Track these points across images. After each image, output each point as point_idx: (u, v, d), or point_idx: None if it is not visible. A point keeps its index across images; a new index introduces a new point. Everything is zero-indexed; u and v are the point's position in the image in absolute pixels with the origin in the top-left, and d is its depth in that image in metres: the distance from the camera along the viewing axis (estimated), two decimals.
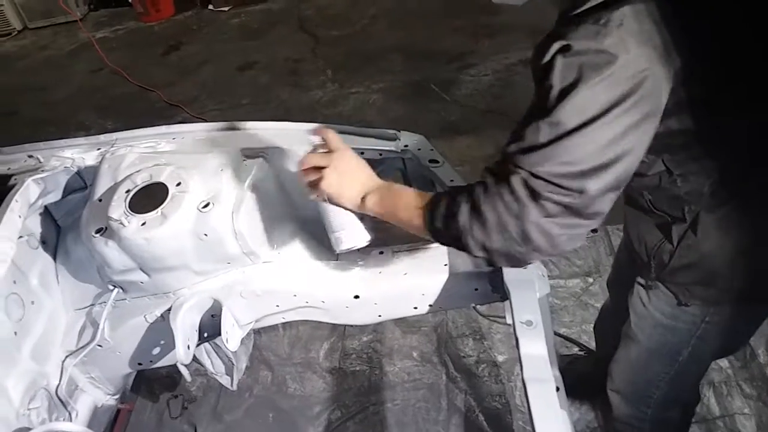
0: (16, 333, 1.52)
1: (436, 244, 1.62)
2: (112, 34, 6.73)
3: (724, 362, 2.34)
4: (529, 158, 1.00)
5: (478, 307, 1.99)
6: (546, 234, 1.01)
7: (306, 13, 6.26)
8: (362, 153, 1.75)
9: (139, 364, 1.72)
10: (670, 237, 1.27)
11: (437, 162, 1.74)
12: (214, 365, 1.83)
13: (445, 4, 5.57)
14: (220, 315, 1.54)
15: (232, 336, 1.55)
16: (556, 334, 2.51)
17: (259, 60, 5.45)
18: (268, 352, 2.70)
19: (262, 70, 5.30)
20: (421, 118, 4.09)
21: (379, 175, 1.32)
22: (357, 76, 4.83)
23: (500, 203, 1.02)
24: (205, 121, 4.24)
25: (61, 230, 1.81)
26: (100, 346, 1.63)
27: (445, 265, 1.56)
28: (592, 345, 2.38)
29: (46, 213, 1.77)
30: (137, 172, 1.59)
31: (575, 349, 2.49)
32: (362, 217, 1.33)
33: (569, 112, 0.96)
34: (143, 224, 1.47)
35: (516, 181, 1.01)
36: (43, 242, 1.73)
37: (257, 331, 2.61)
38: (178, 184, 1.53)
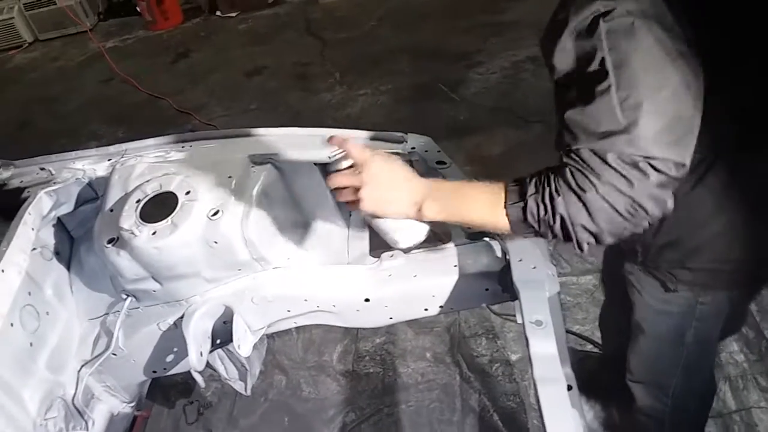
0: (31, 344, 1.54)
1: (446, 245, 1.64)
2: (121, 44, 6.79)
3: (740, 356, 2.33)
4: (613, 141, 0.97)
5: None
6: (658, 200, 0.99)
7: (313, 16, 6.28)
8: None
9: (154, 371, 1.74)
10: None
11: (445, 164, 1.74)
12: (227, 371, 1.85)
13: (451, 4, 5.57)
14: (231, 321, 1.55)
15: (244, 342, 1.56)
16: (569, 332, 2.50)
17: (268, 65, 5.47)
18: (282, 356, 2.71)
19: (270, 75, 5.32)
20: (430, 118, 4.09)
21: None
22: (365, 78, 4.85)
23: (603, 186, 0.98)
24: (215, 127, 4.28)
25: (74, 241, 1.83)
26: (114, 354, 1.64)
27: (455, 266, 1.56)
28: None
29: (59, 224, 1.79)
30: (147, 181, 1.61)
31: (589, 346, 2.48)
32: None
33: (638, 80, 0.94)
34: (154, 233, 1.48)
35: (612, 159, 0.97)
36: (57, 253, 1.75)
37: (271, 336, 2.63)
38: (188, 193, 1.55)
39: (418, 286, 1.58)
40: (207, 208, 1.52)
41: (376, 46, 5.36)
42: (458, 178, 1.65)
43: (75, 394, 1.62)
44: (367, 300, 1.59)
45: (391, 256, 1.64)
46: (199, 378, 1.58)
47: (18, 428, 1.40)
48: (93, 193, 1.84)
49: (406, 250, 1.56)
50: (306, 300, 1.63)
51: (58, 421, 1.52)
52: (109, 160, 1.83)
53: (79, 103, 5.56)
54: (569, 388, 1.13)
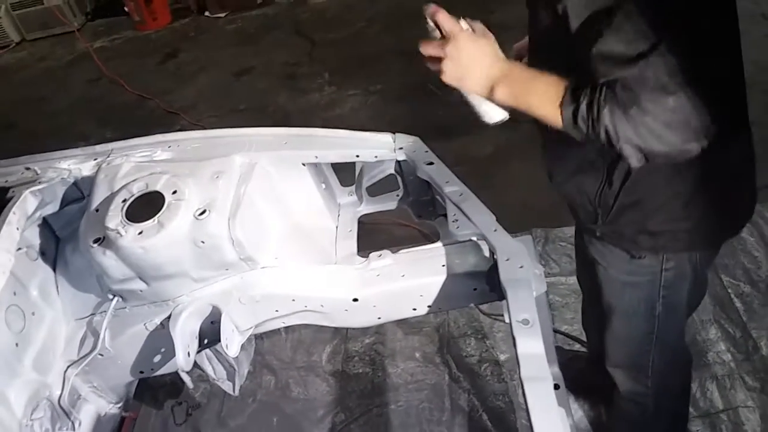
0: (17, 344, 1.53)
1: (434, 245, 1.64)
2: (109, 44, 6.74)
3: (726, 355, 2.34)
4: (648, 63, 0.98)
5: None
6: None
7: (302, 17, 6.26)
8: (357, 156, 1.76)
9: (141, 372, 1.73)
10: (611, 181, 1.30)
11: (433, 164, 1.74)
12: (215, 371, 1.84)
13: (441, 4, 5.56)
14: (219, 321, 1.55)
15: (232, 342, 1.56)
16: (558, 331, 2.51)
17: (256, 65, 5.45)
18: (271, 356, 2.71)
19: (259, 76, 5.30)
20: (419, 119, 4.08)
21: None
22: (354, 79, 4.84)
23: (647, 104, 0.99)
24: (203, 128, 4.25)
25: (60, 241, 1.82)
26: (101, 355, 1.63)
27: (443, 266, 1.56)
28: None
29: (45, 224, 1.78)
30: (133, 181, 1.60)
31: (577, 346, 2.49)
32: None
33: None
34: (140, 233, 1.47)
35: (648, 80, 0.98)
36: (43, 253, 1.74)
37: (259, 336, 2.62)
38: (174, 192, 1.54)
39: (407, 286, 1.58)
40: (194, 208, 1.52)
41: (366, 46, 5.35)
42: (447, 179, 1.67)
43: (61, 394, 1.61)
44: (355, 300, 1.59)
45: (380, 256, 1.64)
46: (187, 378, 1.57)
47: (4, 429, 1.39)
48: (79, 193, 1.83)
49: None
50: (294, 300, 1.62)
51: (44, 421, 1.52)
52: (95, 159, 1.82)
53: (66, 103, 5.52)
54: (556, 387, 1.13)
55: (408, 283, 1.58)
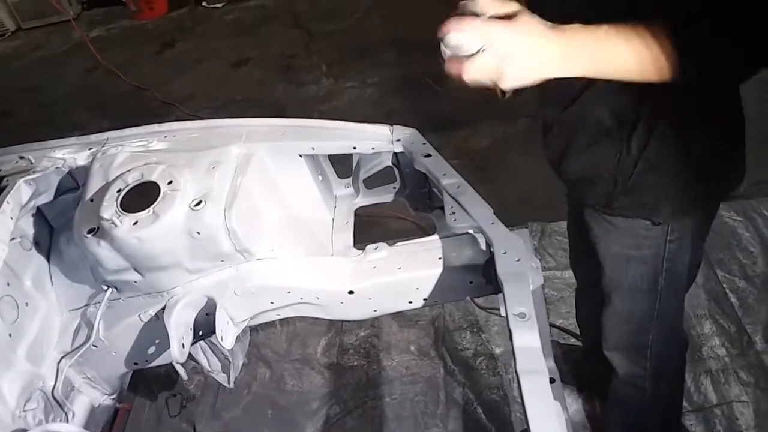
0: (10, 335, 1.52)
1: (431, 237, 1.63)
2: (105, 33, 6.70)
3: (721, 350, 2.35)
4: None
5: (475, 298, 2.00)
6: None
7: (299, 8, 6.23)
8: (354, 148, 1.75)
9: (135, 363, 1.72)
10: (629, 147, 1.29)
11: (430, 156, 1.73)
12: (210, 363, 1.83)
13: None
14: (214, 313, 1.54)
15: (227, 333, 1.55)
16: (553, 325, 2.51)
17: (253, 56, 5.43)
18: (266, 348, 2.70)
19: (256, 67, 5.28)
20: (417, 111, 4.08)
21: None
22: (352, 71, 4.82)
23: None
24: (200, 118, 4.23)
25: (54, 231, 1.81)
26: (95, 346, 1.62)
27: (439, 258, 1.55)
28: None
29: (39, 214, 1.76)
30: (128, 171, 1.59)
31: (572, 340, 2.49)
32: None
33: None
34: (135, 223, 1.46)
35: None
36: (36, 243, 1.73)
37: (254, 328, 2.62)
38: (170, 183, 1.53)
39: (403, 279, 1.57)
40: (189, 198, 1.50)
41: (363, 38, 5.33)
42: (444, 171, 1.66)
43: (55, 385, 1.60)
44: (351, 292, 1.58)
45: (376, 248, 1.63)
46: (181, 370, 1.56)
47: None
48: (73, 183, 1.81)
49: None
50: (289, 292, 1.61)
51: (37, 412, 1.50)
52: (90, 149, 1.80)
53: (62, 92, 5.50)
54: (552, 380, 1.13)
55: (404, 275, 1.57)
